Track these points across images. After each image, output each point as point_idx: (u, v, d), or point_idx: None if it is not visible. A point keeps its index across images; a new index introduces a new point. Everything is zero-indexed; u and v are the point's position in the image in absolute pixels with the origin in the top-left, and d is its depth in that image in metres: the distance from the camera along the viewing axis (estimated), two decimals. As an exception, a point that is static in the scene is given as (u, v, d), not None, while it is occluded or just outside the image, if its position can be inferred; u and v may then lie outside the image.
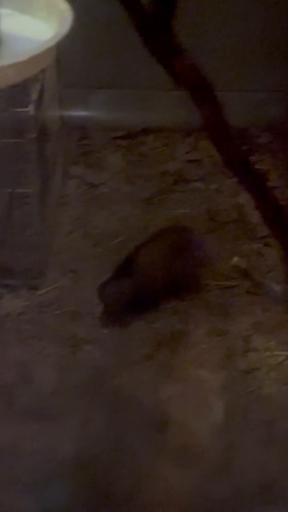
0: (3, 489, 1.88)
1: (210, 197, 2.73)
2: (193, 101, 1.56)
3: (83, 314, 2.31)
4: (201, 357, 2.20)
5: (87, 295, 2.34)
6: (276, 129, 2.95)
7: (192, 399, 2.09)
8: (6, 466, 1.93)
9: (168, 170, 2.84)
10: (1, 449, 1.96)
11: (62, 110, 2.75)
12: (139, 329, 2.28)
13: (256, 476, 1.91)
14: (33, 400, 2.08)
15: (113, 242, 2.54)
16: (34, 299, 2.36)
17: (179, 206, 2.69)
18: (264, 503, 1.88)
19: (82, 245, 2.54)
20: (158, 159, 2.88)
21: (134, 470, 1.93)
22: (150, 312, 2.32)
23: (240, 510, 1.87)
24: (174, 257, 2.34)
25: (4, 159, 2.42)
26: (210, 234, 2.57)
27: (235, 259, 2.45)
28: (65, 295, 2.37)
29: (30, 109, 2.23)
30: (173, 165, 2.86)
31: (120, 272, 2.28)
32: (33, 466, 1.92)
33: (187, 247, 2.39)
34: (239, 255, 2.47)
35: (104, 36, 2.86)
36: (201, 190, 2.76)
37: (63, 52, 1.55)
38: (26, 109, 2.22)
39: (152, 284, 2.32)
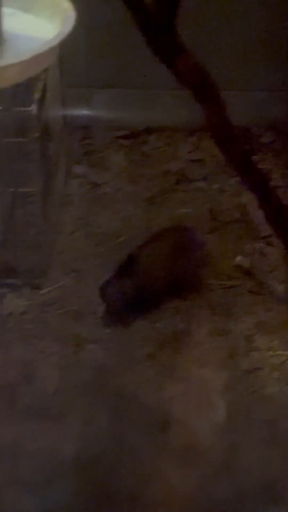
0: (4, 489, 1.88)
1: (213, 196, 2.73)
2: (196, 100, 1.56)
3: (85, 313, 2.31)
4: (203, 356, 2.20)
5: (89, 294, 2.34)
6: (279, 128, 2.95)
7: (194, 398, 2.09)
8: (7, 465, 1.93)
9: (170, 169, 2.83)
10: (3, 448, 1.96)
11: (64, 109, 2.75)
12: (141, 328, 2.28)
13: (258, 476, 1.91)
14: (35, 400, 2.08)
15: (115, 242, 2.54)
16: (37, 299, 2.36)
17: (181, 205, 2.69)
18: (267, 503, 1.88)
19: (84, 245, 2.54)
20: (161, 159, 2.88)
21: (136, 470, 1.93)
22: (152, 312, 2.32)
23: (243, 510, 1.87)
24: (176, 257, 2.34)
25: (7, 158, 2.42)
26: (212, 234, 2.57)
27: (238, 258, 2.46)
28: (67, 295, 2.37)
29: (33, 108, 2.23)
30: (176, 164, 2.86)
31: (122, 271, 2.28)
32: (35, 466, 1.92)
33: (189, 247, 2.39)
34: (242, 255, 2.47)
35: (107, 36, 2.86)
36: (203, 190, 2.76)
37: (66, 51, 1.54)
38: (29, 109, 2.22)
39: (154, 284, 2.32)
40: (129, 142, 2.94)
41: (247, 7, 2.85)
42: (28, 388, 2.11)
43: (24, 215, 2.42)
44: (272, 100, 2.94)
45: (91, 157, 2.88)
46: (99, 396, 2.09)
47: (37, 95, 2.29)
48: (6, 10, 1.36)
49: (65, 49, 1.40)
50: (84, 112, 2.96)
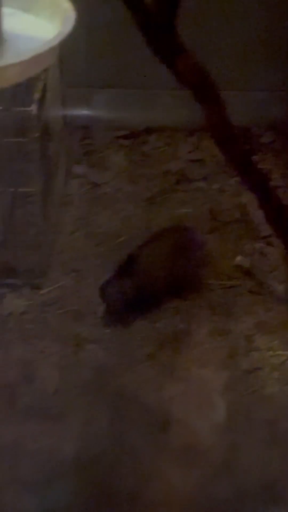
0: (5, 489, 1.88)
1: (213, 196, 2.73)
2: (196, 100, 1.56)
3: (85, 313, 2.31)
4: (203, 356, 2.20)
5: (89, 294, 2.34)
6: (279, 128, 2.95)
7: (195, 398, 2.09)
8: (8, 465, 1.93)
9: (170, 169, 2.83)
10: (3, 448, 1.96)
11: (64, 109, 2.75)
12: (141, 328, 2.28)
13: (258, 476, 1.91)
14: (35, 399, 2.08)
15: (115, 242, 2.54)
16: (37, 299, 2.36)
17: (181, 205, 2.69)
18: (267, 503, 1.88)
19: (84, 245, 2.54)
20: (161, 159, 2.88)
21: (136, 470, 1.93)
22: (152, 312, 2.32)
23: (243, 510, 1.87)
24: (176, 257, 2.34)
25: (7, 158, 2.42)
26: (212, 234, 2.57)
27: (238, 258, 2.46)
28: (67, 295, 2.37)
29: (33, 108, 2.23)
30: (176, 164, 2.86)
31: (122, 271, 2.28)
32: (35, 466, 1.92)
33: (189, 247, 2.39)
34: (242, 255, 2.47)
35: (106, 36, 2.86)
36: (203, 190, 2.76)
37: (66, 51, 1.54)
38: (29, 109, 2.22)
39: (153, 284, 2.31)
40: (129, 142, 2.94)
41: (247, 7, 2.85)
42: (28, 388, 2.11)
43: (24, 215, 2.42)
44: (272, 100, 2.94)
45: (91, 157, 2.88)
46: (99, 396, 2.09)
47: (37, 95, 2.29)
48: (6, 10, 1.36)
49: (65, 49, 1.40)
50: (84, 112, 2.96)
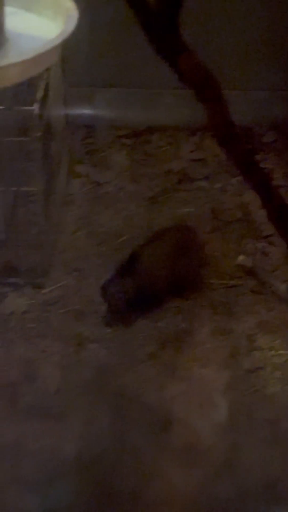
0: (6, 488, 1.88)
1: (215, 196, 2.73)
2: (198, 100, 1.56)
3: (87, 313, 2.31)
4: (205, 356, 2.20)
5: (91, 294, 2.34)
6: (281, 128, 2.95)
7: (196, 398, 2.09)
8: (9, 464, 1.93)
9: (172, 169, 2.83)
10: (4, 447, 1.96)
11: (67, 108, 2.75)
12: (143, 328, 2.28)
13: (260, 475, 1.91)
14: (37, 399, 2.08)
15: (117, 241, 2.54)
16: (39, 298, 2.36)
17: (183, 205, 2.69)
18: (268, 502, 1.88)
19: (86, 244, 2.54)
20: (163, 158, 2.88)
21: (138, 469, 1.93)
22: (154, 311, 2.32)
23: (244, 509, 1.87)
24: (177, 256, 2.33)
25: (9, 158, 2.42)
26: (214, 233, 2.57)
27: (240, 257, 2.46)
28: (69, 294, 2.37)
29: (35, 107, 2.23)
30: (178, 164, 2.86)
31: (123, 271, 2.28)
32: (37, 465, 1.92)
33: (190, 246, 2.39)
34: (244, 254, 2.47)
35: (109, 35, 2.86)
36: (205, 189, 2.76)
37: (68, 50, 1.54)
38: (31, 108, 2.22)
39: (155, 283, 2.31)
40: (131, 141, 2.94)
41: (249, 6, 2.85)
42: (30, 387, 2.11)
43: (26, 215, 2.42)
44: (274, 100, 2.94)
45: (93, 156, 2.88)
46: (100, 395, 2.09)
47: (39, 94, 2.28)
48: (8, 9, 1.36)
49: (68, 48, 1.40)
50: (86, 111, 2.96)
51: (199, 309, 2.33)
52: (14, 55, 1.29)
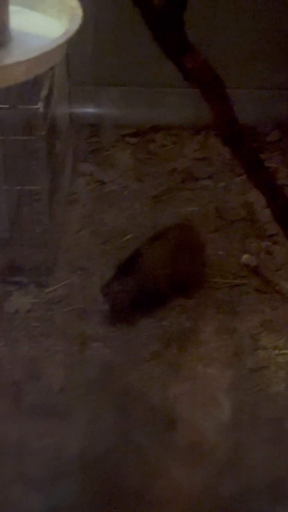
0: (10, 486, 1.88)
1: (219, 195, 2.73)
2: (203, 98, 1.56)
3: (91, 311, 2.31)
4: (209, 355, 2.20)
5: (95, 292, 2.34)
6: (285, 127, 2.95)
7: (200, 397, 2.09)
8: (13, 463, 1.93)
9: (176, 168, 2.83)
10: (8, 446, 1.96)
11: (71, 107, 2.75)
12: (147, 327, 2.28)
13: (263, 474, 1.91)
14: (41, 397, 2.08)
15: (121, 240, 2.54)
16: (43, 297, 2.36)
17: (187, 204, 2.69)
18: (272, 501, 1.88)
19: (90, 243, 2.54)
20: (167, 157, 2.88)
21: (142, 468, 1.93)
22: (157, 310, 2.32)
23: (248, 508, 1.87)
24: (179, 255, 2.33)
25: (14, 157, 2.42)
26: (218, 232, 2.57)
27: (245, 256, 2.46)
28: (73, 293, 2.38)
29: (40, 106, 2.22)
30: (182, 163, 2.86)
31: (124, 270, 2.28)
32: (40, 464, 1.92)
33: (193, 245, 2.39)
34: (248, 253, 2.47)
35: (113, 34, 2.86)
36: (209, 188, 2.76)
37: (72, 49, 1.54)
38: (35, 107, 2.22)
39: (157, 282, 2.31)
40: (136, 140, 2.94)
41: (254, 5, 2.85)
42: (34, 386, 2.11)
43: (30, 213, 2.42)
44: (279, 99, 2.94)
45: (97, 155, 2.88)
46: (104, 394, 2.09)
47: (43, 93, 2.28)
48: (13, 8, 1.36)
49: (72, 47, 1.40)
50: (90, 110, 2.97)
51: (203, 308, 2.33)
52: (19, 54, 1.29)
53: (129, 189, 2.75)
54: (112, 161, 2.85)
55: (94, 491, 1.88)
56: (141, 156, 2.88)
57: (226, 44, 2.85)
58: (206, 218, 2.62)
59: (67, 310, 2.33)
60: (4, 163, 2.34)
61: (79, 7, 1.37)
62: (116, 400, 2.08)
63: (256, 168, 1.69)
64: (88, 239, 2.55)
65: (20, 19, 1.38)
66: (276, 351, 2.21)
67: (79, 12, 1.36)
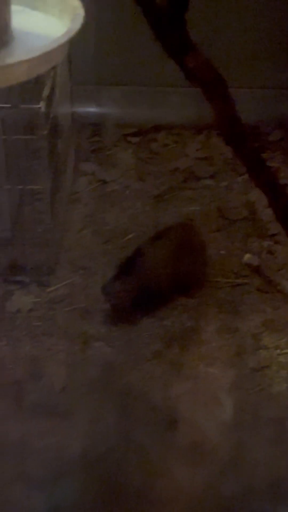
0: (12, 486, 1.88)
1: (221, 194, 2.72)
2: (205, 98, 1.56)
3: (93, 311, 2.31)
4: (210, 354, 2.20)
5: (97, 292, 2.34)
6: (287, 126, 2.94)
7: (202, 396, 2.09)
8: (15, 462, 1.93)
9: (178, 167, 2.83)
10: (10, 445, 1.96)
11: (73, 106, 2.75)
12: (148, 326, 2.28)
13: (265, 474, 1.91)
14: (42, 397, 2.08)
15: (123, 239, 2.54)
16: (45, 296, 2.36)
17: (189, 203, 2.69)
18: (274, 501, 1.88)
19: (92, 242, 2.54)
20: (169, 156, 2.88)
21: (143, 468, 1.93)
22: (159, 310, 2.31)
23: (249, 508, 1.87)
24: (181, 254, 2.33)
25: (16, 156, 2.42)
26: (220, 232, 2.57)
27: (246, 256, 2.45)
28: (75, 292, 2.38)
29: (42, 106, 2.23)
30: (184, 162, 2.86)
31: (126, 269, 2.28)
32: (42, 463, 1.92)
33: (195, 244, 2.39)
34: (250, 253, 2.47)
35: (115, 33, 2.86)
36: (211, 188, 2.76)
37: (74, 49, 1.55)
38: (37, 106, 2.22)
39: (158, 281, 2.31)
40: (137, 139, 2.94)
41: (256, 4, 2.85)
42: (36, 385, 2.11)
43: (32, 213, 2.42)
44: (281, 98, 2.94)
45: (99, 155, 2.88)
46: (106, 393, 2.09)
47: (45, 93, 2.29)
48: (15, 8, 1.36)
49: (74, 46, 1.40)
50: (92, 109, 2.96)
51: (205, 307, 2.33)
52: (21, 53, 1.29)
53: (131, 188, 2.74)
54: (114, 161, 2.85)
55: (96, 490, 1.88)
56: (143, 156, 2.88)
57: (228, 43, 2.85)
58: (208, 218, 2.61)
59: (69, 309, 2.33)
60: (6, 162, 2.34)
61: (81, 6, 1.37)
62: (117, 399, 2.08)
63: (258, 168, 1.69)
64: (90, 239, 2.55)
65: (22, 19, 1.38)
66: (278, 351, 2.21)
67: (81, 11, 1.36)
